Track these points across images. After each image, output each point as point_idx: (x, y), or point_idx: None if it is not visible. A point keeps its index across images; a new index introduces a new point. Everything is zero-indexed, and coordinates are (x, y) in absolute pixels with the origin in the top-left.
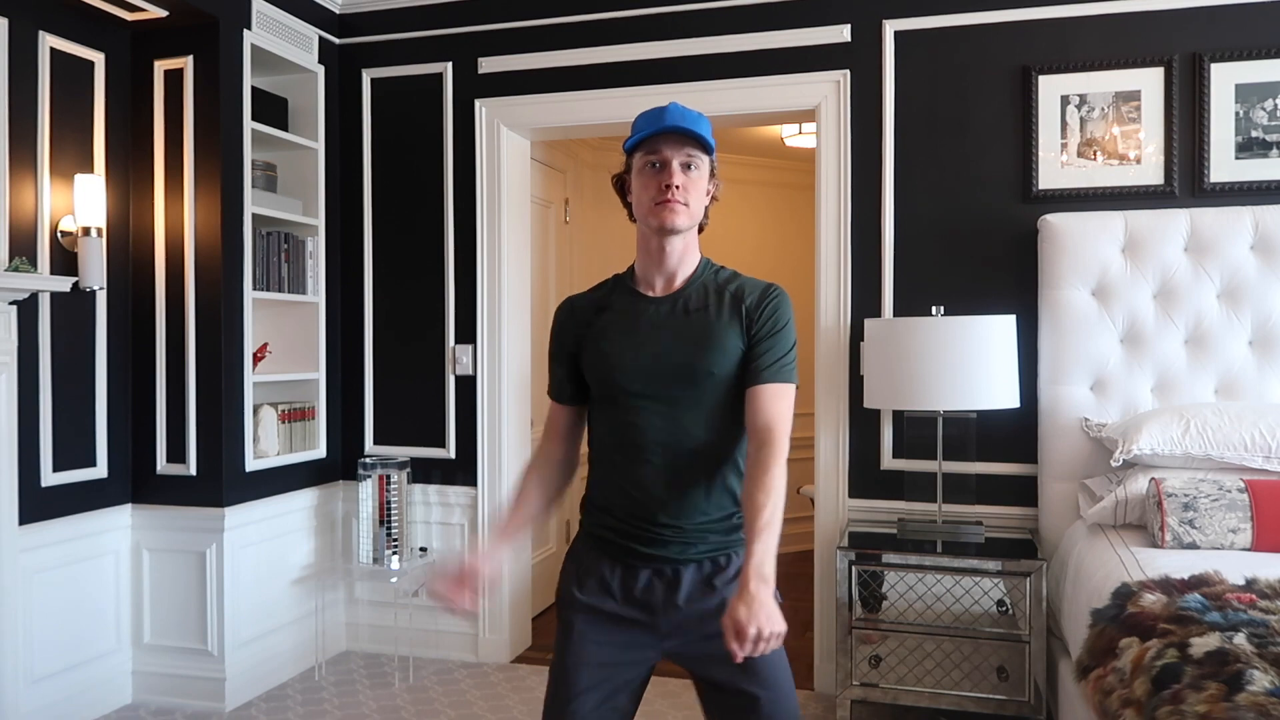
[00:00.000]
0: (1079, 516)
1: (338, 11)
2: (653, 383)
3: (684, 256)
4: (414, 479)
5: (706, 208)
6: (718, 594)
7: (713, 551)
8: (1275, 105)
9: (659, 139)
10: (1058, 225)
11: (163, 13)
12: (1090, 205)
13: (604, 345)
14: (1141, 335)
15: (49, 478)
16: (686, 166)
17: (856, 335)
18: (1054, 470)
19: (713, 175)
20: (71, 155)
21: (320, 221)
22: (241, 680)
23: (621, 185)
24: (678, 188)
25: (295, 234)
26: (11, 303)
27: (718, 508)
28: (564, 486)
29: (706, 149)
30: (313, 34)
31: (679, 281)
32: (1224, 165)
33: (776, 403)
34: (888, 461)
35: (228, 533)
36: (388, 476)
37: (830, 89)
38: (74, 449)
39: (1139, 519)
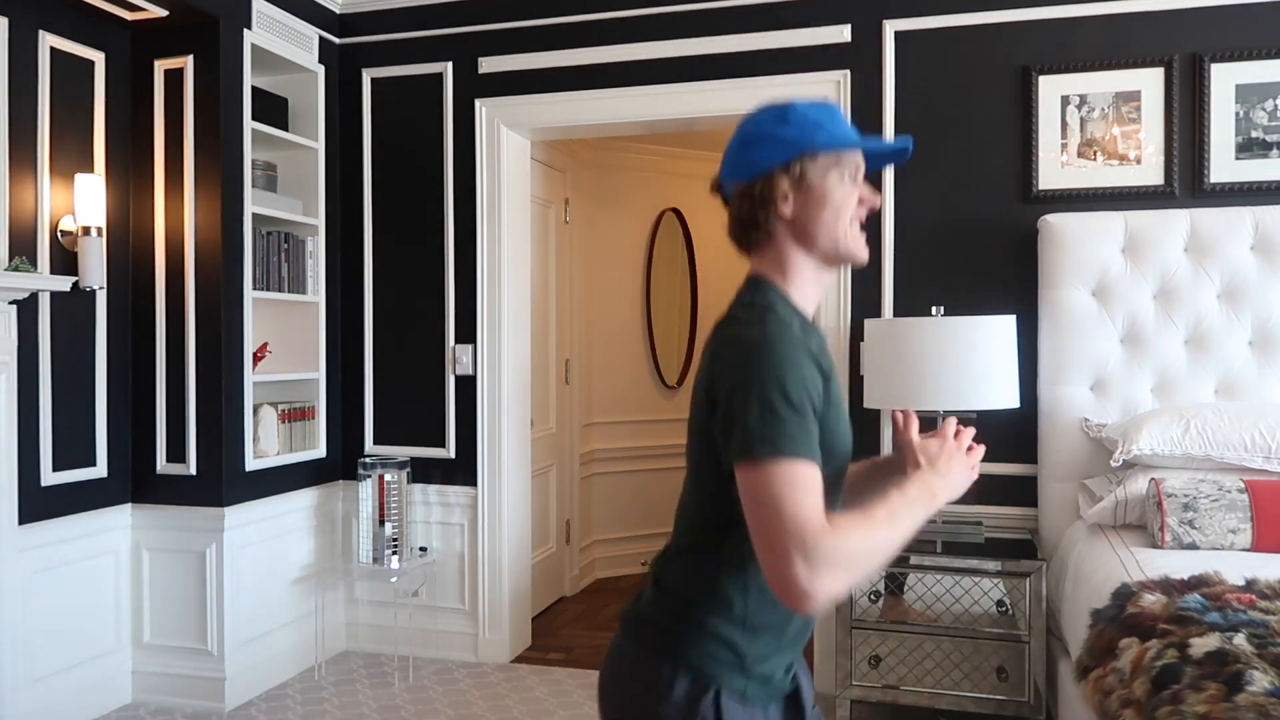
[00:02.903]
0: (1079, 517)
1: (338, 11)
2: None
3: None
4: (414, 479)
5: None
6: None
7: None
8: (1275, 105)
9: (861, 155)
10: (1058, 225)
11: (163, 12)
12: (1090, 205)
13: (840, 408)
14: (1141, 335)
15: (49, 477)
16: None
17: (856, 335)
18: (1054, 470)
19: None
20: (71, 155)
21: (320, 221)
22: (241, 680)
23: (773, 187)
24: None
25: (295, 234)
26: (11, 302)
27: None
28: None
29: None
30: (313, 34)
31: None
32: (1224, 165)
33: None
34: None
35: (228, 532)
36: (387, 476)
37: (830, 89)
38: (74, 448)
39: (1139, 519)
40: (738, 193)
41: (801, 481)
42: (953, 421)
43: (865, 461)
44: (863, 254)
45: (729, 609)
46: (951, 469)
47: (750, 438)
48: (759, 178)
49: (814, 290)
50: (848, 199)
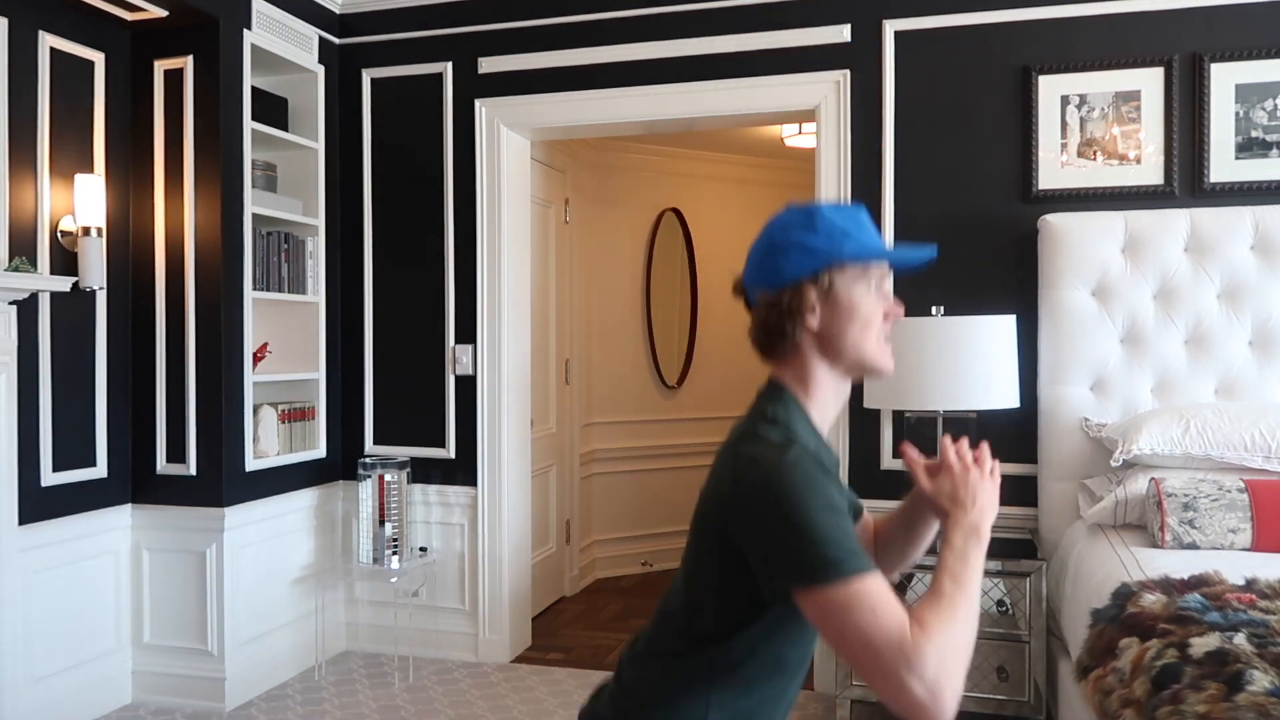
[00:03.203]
0: (1079, 516)
1: (338, 11)
2: None
3: None
4: (414, 479)
5: None
6: None
7: None
8: (1275, 105)
9: (884, 265)
10: (1058, 225)
11: (163, 12)
12: (1090, 205)
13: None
14: (1141, 335)
15: (49, 477)
16: None
17: None
18: (1054, 470)
19: None
20: (71, 155)
21: (320, 221)
22: (241, 680)
23: (800, 299)
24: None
25: (295, 234)
26: (11, 303)
27: None
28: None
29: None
30: (313, 34)
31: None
32: (1224, 165)
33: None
34: (888, 461)
35: (228, 533)
36: (387, 476)
37: (830, 89)
38: (74, 449)
39: (1139, 519)
40: (764, 301)
41: (875, 597)
42: (949, 446)
43: (895, 510)
44: (889, 365)
45: None
46: (979, 497)
47: (808, 565)
48: (786, 288)
49: (834, 405)
50: (875, 311)
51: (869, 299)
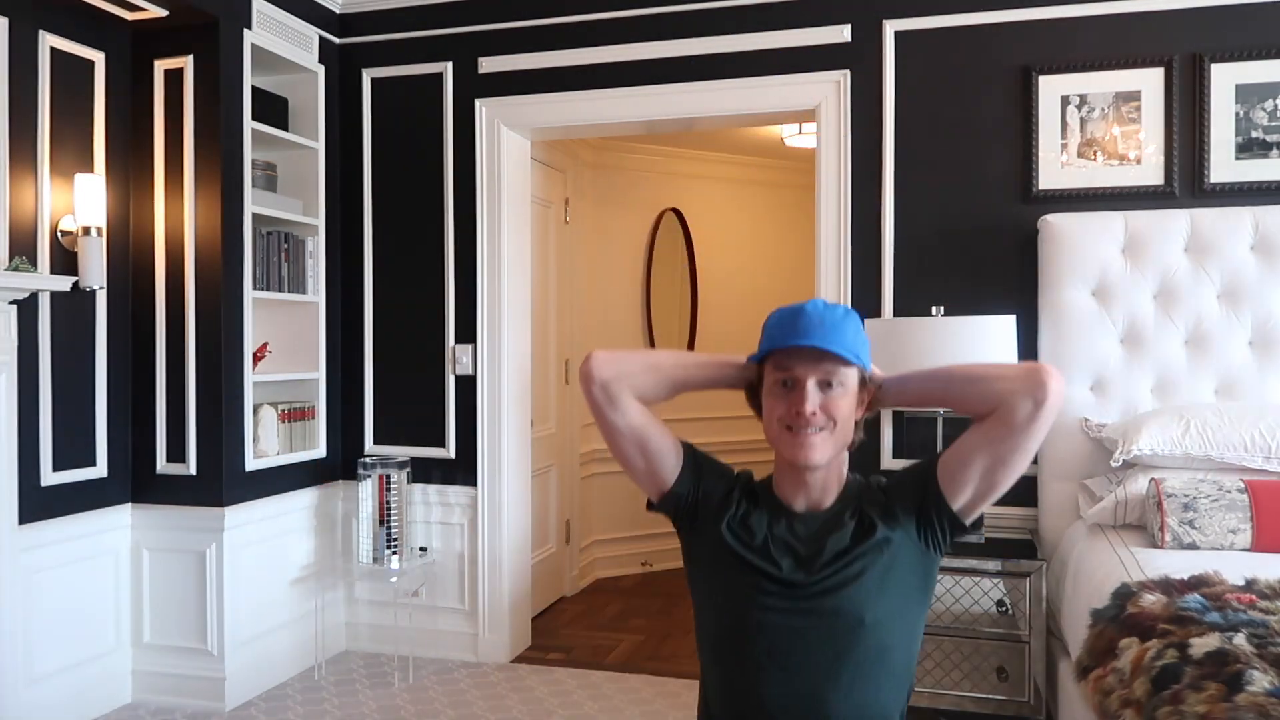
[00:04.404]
0: (1079, 517)
1: (338, 11)
2: None
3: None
4: (414, 479)
5: (858, 422)
6: None
7: None
8: (1275, 105)
9: (790, 352)
10: (1058, 225)
11: (163, 12)
12: (1090, 205)
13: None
14: (1141, 335)
15: (49, 477)
16: (826, 385)
17: None
18: (1054, 470)
19: (864, 383)
20: (71, 155)
21: (320, 221)
22: (241, 680)
23: (753, 395)
24: (814, 414)
25: (295, 234)
26: (11, 302)
27: None
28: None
29: (851, 361)
30: (313, 34)
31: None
32: (1224, 165)
33: None
34: (888, 462)
35: (227, 532)
36: (387, 476)
37: (830, 89)
38: (74, 448)
39: (1139, 519)
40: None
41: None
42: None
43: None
44: (793, 458)
45: None
46: None
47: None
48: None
49: (790, 483)
50: (773, 409)
51: (769, 398)
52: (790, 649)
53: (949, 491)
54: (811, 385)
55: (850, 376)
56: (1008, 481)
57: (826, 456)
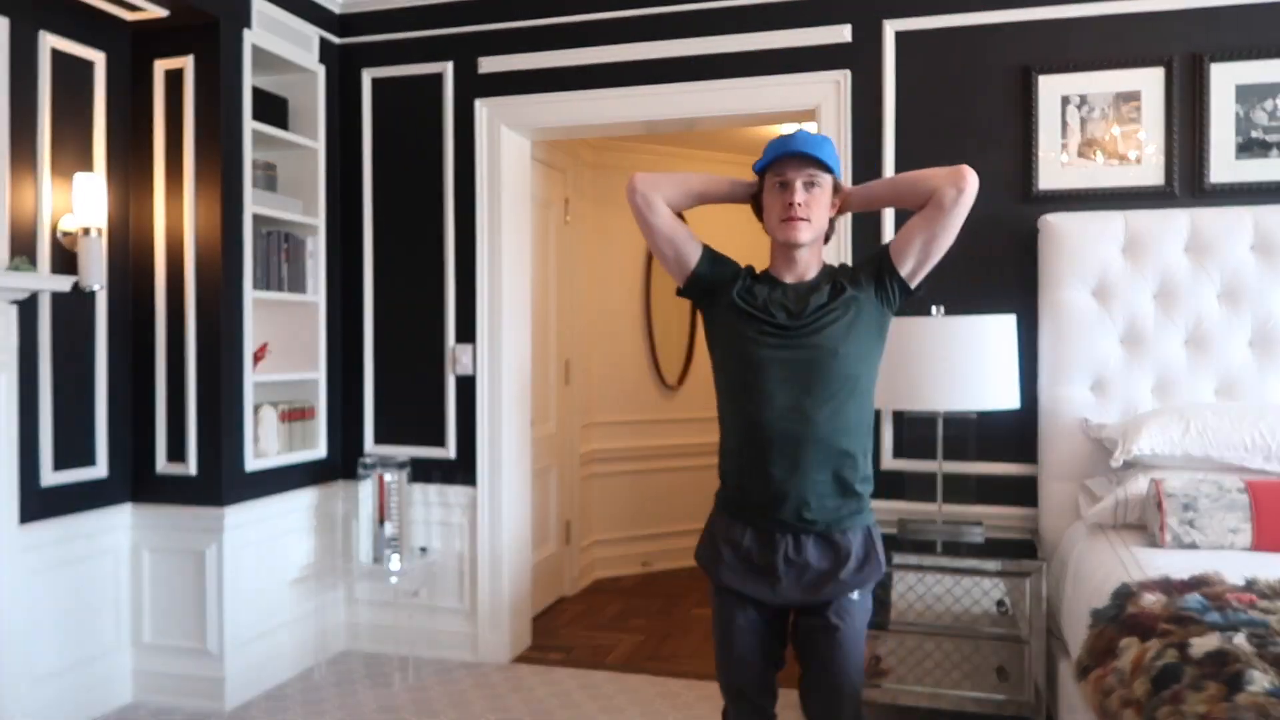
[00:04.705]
0: (1079, 517)
1: (338, 11)
2: None
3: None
4: (414, 479)
5: (831, 219)
6: None
7: None
8: (1275, 105)
9: (784, 162)
10: (1058, 225)
11: (163, 12)
12: (1090, 205)
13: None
14: (1141, 335)
15: (49, 477)
16: (809, 185)
17: None
18: (1054, 470)
19: (836, 190)
20: (71, 155)
21: (320, 221)
22: (241, 680)
23: (757, 204)
24: (800, 204)
25: (295, 234)
26: (11, 302)
27: None
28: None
29: (828, 169)
30: (313, 34)
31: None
32: (1224, 165)
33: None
34: (888, 462)
35: (227, 532)
36: (387, 476)
37: (830, 89)
38: (74, 448)
39: (1139, 519)
40: None
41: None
42: None
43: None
44: (784, 237)
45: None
46: None
47: None
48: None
49: (782, 261)
50: (773, 204)
51: (768, 197)
52: (785, 375)
53: (898, 262)
54: (799, 184)
55: (827, 181)
56: (939, 252)
57: (808, 238)
